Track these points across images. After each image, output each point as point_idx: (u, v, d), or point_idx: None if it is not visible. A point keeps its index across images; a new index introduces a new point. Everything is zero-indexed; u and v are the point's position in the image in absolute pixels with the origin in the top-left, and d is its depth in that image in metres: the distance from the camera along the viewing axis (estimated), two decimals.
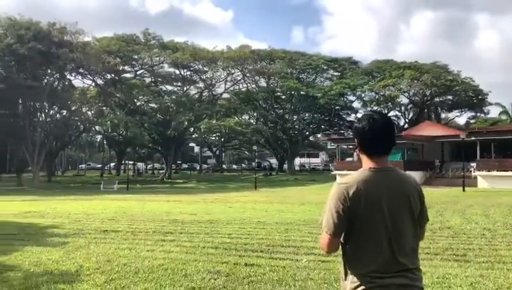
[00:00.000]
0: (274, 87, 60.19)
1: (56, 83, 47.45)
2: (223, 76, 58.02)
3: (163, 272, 6.49)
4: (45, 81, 45.21)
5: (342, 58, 62.37)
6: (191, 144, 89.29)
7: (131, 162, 75.93)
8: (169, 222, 12.61)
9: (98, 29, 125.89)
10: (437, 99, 57.68)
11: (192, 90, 60.91)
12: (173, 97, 56.50)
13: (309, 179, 49.83)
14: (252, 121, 62.78)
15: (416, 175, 31.47)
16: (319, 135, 70.92)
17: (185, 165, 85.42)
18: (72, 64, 44.70)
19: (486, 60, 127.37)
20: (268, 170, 69.48)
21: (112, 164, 77.60)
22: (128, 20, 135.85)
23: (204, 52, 54.72)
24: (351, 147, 49.45)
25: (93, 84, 53.29)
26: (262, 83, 61.02)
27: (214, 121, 52.60)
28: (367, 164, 2.33)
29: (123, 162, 72.80)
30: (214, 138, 75.33)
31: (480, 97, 56.33)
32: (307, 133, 66.22)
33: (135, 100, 56.66)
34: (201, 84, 59.84)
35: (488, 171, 34.44)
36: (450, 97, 56.82)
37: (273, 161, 77.71)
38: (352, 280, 2.26)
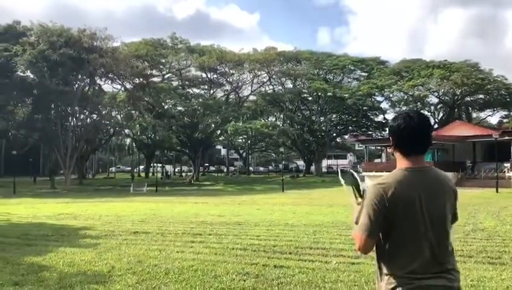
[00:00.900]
0: (300, 89, 59.96)
1: (87, 87, 48.57)
2: (249, 78, 58.29)
3: (193, 273, 6.54)
4: (76, 86, 46.32)
5: (369, 58, 61.63)
6: (218, 147, 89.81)
7: (160, 165, 76.90)
8: (198, 224, 12.72)
9: (127, 35, 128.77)
10: (468, 98, 56.34)
11: (219, 93, 61.45)
12: (200, 100, 57.02)
13: (336, 180, 49.30)
14: (278, 122, 62.66)
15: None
16: (346, 136, 70.16)
17: (212, 168, 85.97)
18: (102, 69, 45.72)
19: None
20: (295, 171, 69.17)
21: (141, 167, 78.78)
22: (156, 25, 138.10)
23: (231, 55, 55.02)
24: (379, 148, 48.77)
25: (122, 88, 54.33)
26: (289, 84, 60.93)
27: (240, 124, 52.80)
28: (403, 163, 2.29)
29: (152, 164, 73.80)
30: (240, 140, 75.57)
31: None
32: (334, 134, 65.69)
33: (163, 104, 57.42)
34: (227, 87, 60.24)
35: None
36: (481, 96, 55.41)
37: (300, 163, 77.32)
38: (388, 281, 2.22)
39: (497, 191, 27.88)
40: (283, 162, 74.24)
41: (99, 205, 21.88)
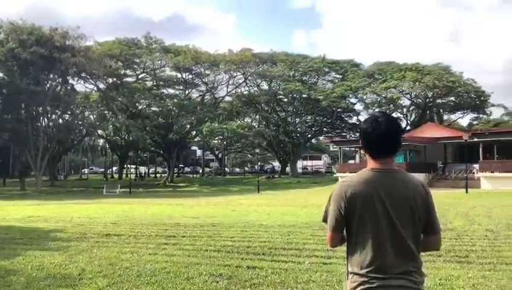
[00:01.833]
0: (276, 90, 60.17)
1: (58, 87, 47.59)
2: (224, 79, 58.16)
3: (165, 276, 6.50)
4: (48, 85, 45.34)
5: (343, 60, 62.33)
6: (194, 148, 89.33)
7: (134, 166, 75.97)
8: (172, 226, 12.63)
9: (102, 36, 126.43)
10: (439, 100, 57.53)
11: (194, 94, 61.10)
12: (175, 100, 56.57)
13: (311, 181, 49.75)
14: (254, 124, 62.70)
15: (418, 177, 31.30)
16: (321, 138, 70.78)
17: (187, 169, 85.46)
18: (74, 69, 44.85)
19: (488, 62, 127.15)
20: (270, 172, 69.40)
21: (114, 168, 77.65)
22: (132, 26, 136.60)
23: (206, 56, 54.79)
24: (353, 149, 49.41)
25: (95, 88, 53.46)
26: (264, 85, 61.04)
27: (216, 124, 52.65)
28: (371, 164, 2.34)
29: (125, 166, 72.84)
30: (216, 141, 75.31)
31: (482, 98, 56.12)
32: (309, 135, 66.14)
33: (137, 104, 56.73)
34: (203, 88, 59.96)
35: (491, 172, 34.37)
36: (452, 99, 56.63)
37: (276, 164, 77.63)
38: (352, 280, 2.27)
39: (466, 192, 28.61)
40: (259, 163, 74.48)
41: (71, 207, 21.47)
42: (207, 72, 56.68)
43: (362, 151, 2.76)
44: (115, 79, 52.42)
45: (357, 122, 59.92)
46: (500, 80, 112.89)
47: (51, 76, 45.68)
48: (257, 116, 63.75)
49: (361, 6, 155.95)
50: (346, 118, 63.12)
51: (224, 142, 73.79)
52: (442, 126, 48.98)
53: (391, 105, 56.97)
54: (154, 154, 72.73)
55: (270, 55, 59.58)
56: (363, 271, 2.22)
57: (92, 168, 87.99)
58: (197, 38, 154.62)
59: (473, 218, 13.65)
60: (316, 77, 62.70)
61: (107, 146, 71.85)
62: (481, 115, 60.76)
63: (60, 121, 50.56)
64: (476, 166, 35.63)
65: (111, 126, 54.07)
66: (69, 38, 43.61)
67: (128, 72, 56.50)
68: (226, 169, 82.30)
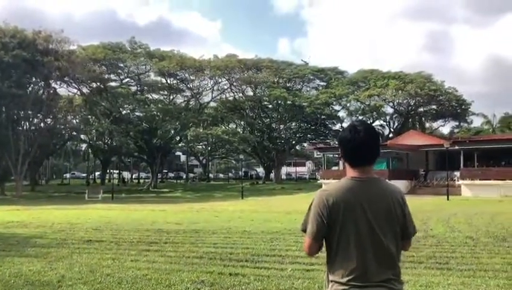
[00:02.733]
0: (261, 96, 60.33)
1: (41, 91, 46.93)
2: (209, 85, 58.09)
3: (146, 283, 6.44)
4: (30, 89, 44.71)
5: (328, 68, 62.86)
6: (178, 153, 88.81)
7: (117, 171, 75.24)
8: (154, 232, 12.53)
9: (87, 41, 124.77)
10: (421, 109, 58.39)
11: (179, 99, 60.88)
12: (159, 106, 56.26)
13: (295, 187, 49.88)
14: (239, 129, 62.72)
15: (401, 184, 31.75)
16: (305, 144, 71.10)
17: (171, 174, 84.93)
18: (57, 73, 44.24)
19: (469, 72, 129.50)
20: (255, 179, 69.40)
21: (97, 173, 76.77)
22: (117, 31, 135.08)
23: (191, 61, 54.72)
24: (336, 156, 49.70)
25: (79, 92, 52.87)
26: (249, 92, 61.15)
27: (200, 130, 52.49)
28: (350, 173, 2.35)
29: (108, 171, 72.07)
30: (200, 147, 75.11)
31: (463, 107, 57.20)
32: (294, 142, 66.41)
33: (121, 109, 56.29)
34: (188, 93, 59.78)
35: (472, 180, 34.90)
36: (434, 107, 57.54)
37: (260, 170, 77.63)
38: (333, 288, 2.28)
39: (447, 199, 28.99)
40: (243, 169, 74.40)
41: (52, 213, 21.15)
42: (192, 77, 56.56)
43: (341, 161, 2.76)
44: (98, 83, 51.91)
45: (341, 129, 60.17)
46: (480, 90, 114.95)
47: (33, 79, 45.06)
48: (242, 122, 63.79)
49: (346, 15, 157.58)
50: (330, 125, 63.60)
51: (209, 148, 73.62)
52: (424, 134, 49.67)
53: (374, 112, 57.60)
54: (138, 159, 72.10)
55: (255, 62, 59.77)
56: (344, 279, 2.23)
57: (74, 173, 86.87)
58: (182, 44, 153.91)
59: (454, 225, 13.83)
60: (301, 83, 63.13)
61: (90, 151, 71.00)
62: (462, 124, 61.87)
63: (42, 125, 49.85)
64: (457, 173, 36.17)
65: (94, 131, 53.49)
66: (52, 42, 43.10)
67: (112, 76, 56.03)
68: (210, 175, 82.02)
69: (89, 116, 53.96)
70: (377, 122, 59.72)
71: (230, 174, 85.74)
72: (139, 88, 58.31)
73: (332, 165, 57.75)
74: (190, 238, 11.09)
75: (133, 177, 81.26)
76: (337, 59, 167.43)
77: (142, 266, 7.65)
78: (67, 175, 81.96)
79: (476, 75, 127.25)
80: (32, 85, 45.47)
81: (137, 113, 57.58)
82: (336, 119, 62.13)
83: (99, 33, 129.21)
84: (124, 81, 57.12)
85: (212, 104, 61.33)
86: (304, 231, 2.39)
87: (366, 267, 2.22)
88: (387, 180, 2.50)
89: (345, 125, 59.42)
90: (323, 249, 2.41)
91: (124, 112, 56.83)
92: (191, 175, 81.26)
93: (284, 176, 70.20)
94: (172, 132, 56.30)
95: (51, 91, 48.13)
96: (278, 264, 7.70)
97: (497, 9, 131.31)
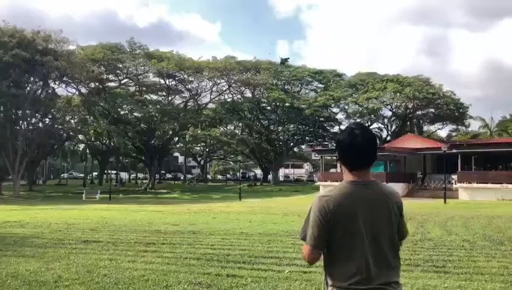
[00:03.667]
0: (259, 98, 60.38)
1: (39, 91, 46.91)
2: (208, 86, 58.14)
3: (143, 284, 6.43)
4: (28, 89, 44.68)
5: (326, 70, 62.94)
6: (176, 154, 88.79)
7: (114, 172, 75.10)
8: (152, 233, 12.51)
9: (87, 42, 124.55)
10: (419, 112, 58.45)
11: (177, 100, 60.95)
12: (158, 106, 56.28)
13: (293, 189, 49.90)
14: (237, 131, 62.73)
15: (398, 187, 31.79)
16: (303, 146, 71.17)
17: (169, 175, 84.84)
18: (56, 73, 44.25)
19: (466, 75, 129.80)
20: (253, 180, 69.37)
21: (95, 173, 76.63)
22: (117, 32, 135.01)
23: (190, 62, 54.72)
24: (334, 158, 49.70)
25: (77, 92, 52.84)
26: (248, 93, 61.17)
27: (199, 131, 52.52)
28: (348, 177, 2.35)
29: (106, 171, 71.97)
30: (198, 148, 75.06)
31: (461, 110, 57.26)
32: (292, 144, 66.46)
33: (119, 109, 56.27)
34: (186, 94, 59.84)
35: (469, 183, 34.92)
36: (432, 110, 57.60)
37: (258, 172, 77.62)
38: None
39: (445, 202, 29.00)
40: (241, 171, 74.37)
41: (49, 213, 21.10)
42: (190, 78, 56.59)
43: (339, 164, 2.74)
44: (97, 84, 51.93)
45: (339, 132, 60.37)
46: (478, 94, 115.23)
47: (32, 79, 45.06)
48: (240, 124, 63.82)
49: (345, 18, 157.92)
50: (328, 127, 63.69)
51: (207, 149, 73.59)
52: (422, 137, 49.71)
53: (372, 115, 57.67)
54: (136, 160, 72.02)
55: (254, 64, 59.84)
56: (345, 284, 2.24)
57: (72, 173, 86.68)
58: (181, 45, 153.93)
59: (451, 228, 13.84)
60: (299, 86, 63.18)
61: (88, 151, 70.91)
62: (460, 127, 61.98)
63: (40, 124, 49.82)
64: (455, 177, 36.20)
65: (92, 131, 53.42)
66: (51, 42, 43.13)
67: (111, 77, 56.07)
68: (208, 176, 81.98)
69: (87, 117, 53.91)
70: (375, 125, 59.92)
71: (228, 175, 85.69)
72: (137, 89, 58.33)
73: (330, 167, 57.77)
74: (187, 239, 11.08)
75: (131, 178, 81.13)
76: (336, 62, 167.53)
77: (139, 266, 7.64)
78: (65, 175, 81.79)
79: (473, 78, 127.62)
80: (30, 85, 45.50)
81: (135, 114, 57.56)
82: (334, 122, 62.20)
83: (99, 34, 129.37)
84: (122, 82, 57.11)
85: (211, 105, 61.40)
86: (303, 239, 2.36)
87: (368, 271, 2.23)
88: (384, 183, 2.49)
89: (343, 127, 59.51)
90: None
91: (122, 112, 56.82)
92: (189, 176, 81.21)
93: (281, 178, 70.26)
94: (171, 132, 56.26)
95: (50, 91, 48.15)
96: (275, 266, 7.70)
97: (494, 13, 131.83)
